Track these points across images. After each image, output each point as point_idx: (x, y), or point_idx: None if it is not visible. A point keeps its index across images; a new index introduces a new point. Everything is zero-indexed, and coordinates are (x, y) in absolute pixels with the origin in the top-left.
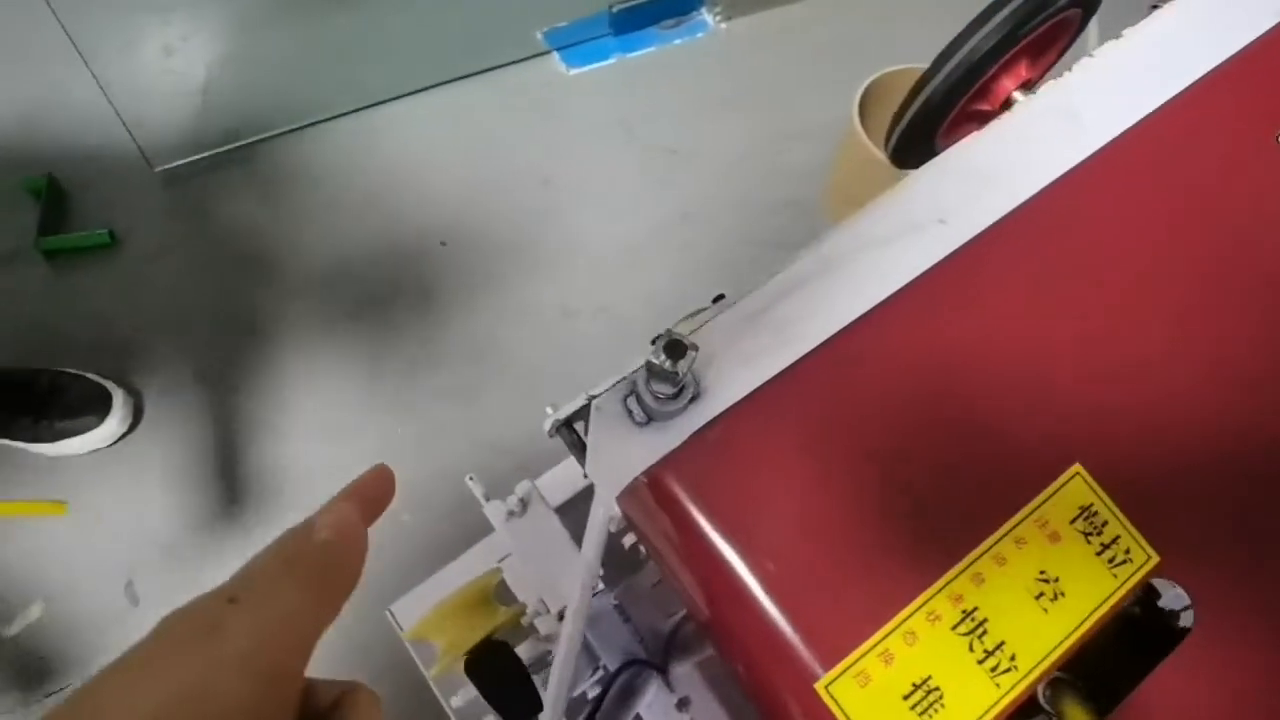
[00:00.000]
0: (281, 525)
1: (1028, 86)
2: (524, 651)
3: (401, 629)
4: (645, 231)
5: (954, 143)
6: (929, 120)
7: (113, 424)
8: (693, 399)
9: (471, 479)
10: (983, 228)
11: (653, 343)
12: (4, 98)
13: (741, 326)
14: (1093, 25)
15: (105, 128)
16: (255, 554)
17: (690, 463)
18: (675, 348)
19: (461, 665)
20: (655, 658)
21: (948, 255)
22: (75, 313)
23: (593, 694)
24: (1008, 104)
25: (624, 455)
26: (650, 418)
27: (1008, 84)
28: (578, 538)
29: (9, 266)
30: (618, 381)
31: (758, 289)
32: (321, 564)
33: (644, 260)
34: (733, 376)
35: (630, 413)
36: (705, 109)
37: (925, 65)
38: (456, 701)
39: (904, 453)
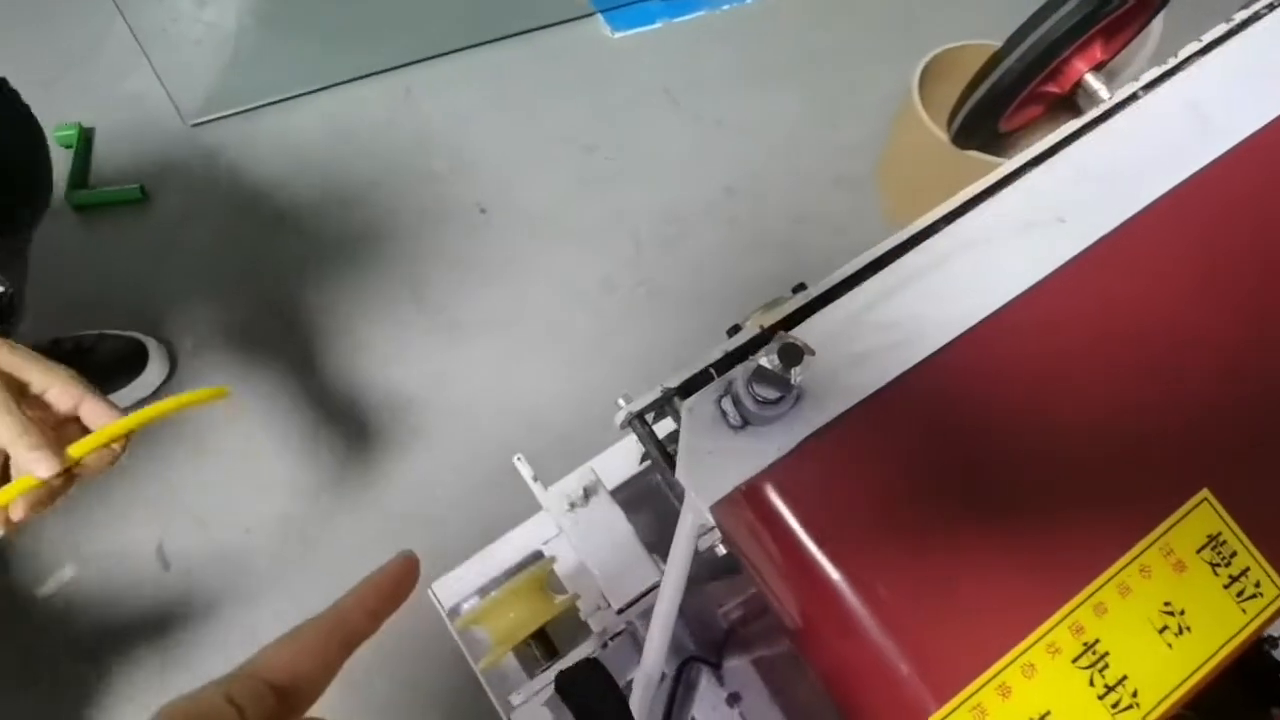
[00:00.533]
0: (310, 485)
1: (1099, 69)
2: (588, 647)
3: (443, 608)
4: (689, 204)
5: (1017, 126)
6: (999, 100)
7: (152, 373)
8: (795, 403)
9: (519, 459)
10: (1106, 229)
11: (729, 333)
12: (37, 46)
13: (846, 324)
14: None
15: (138, 80)
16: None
17: (797, 474)
18: (791, 352)
19: (510, 657)
20: (705, 650)
21: (1071, 257)
22: (106, 268)
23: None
24: (1078, 86)
25: (720, 462)
26: (747, 421)
27: (1080, 66)
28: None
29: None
30: (696, 375)
31: (848, 281)
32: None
33: (687, 234)
34: (840, 380)
35: (725, 414)
36: (754, 79)
37: (991, 41)
38: (516, 699)
39: (1025, 472)
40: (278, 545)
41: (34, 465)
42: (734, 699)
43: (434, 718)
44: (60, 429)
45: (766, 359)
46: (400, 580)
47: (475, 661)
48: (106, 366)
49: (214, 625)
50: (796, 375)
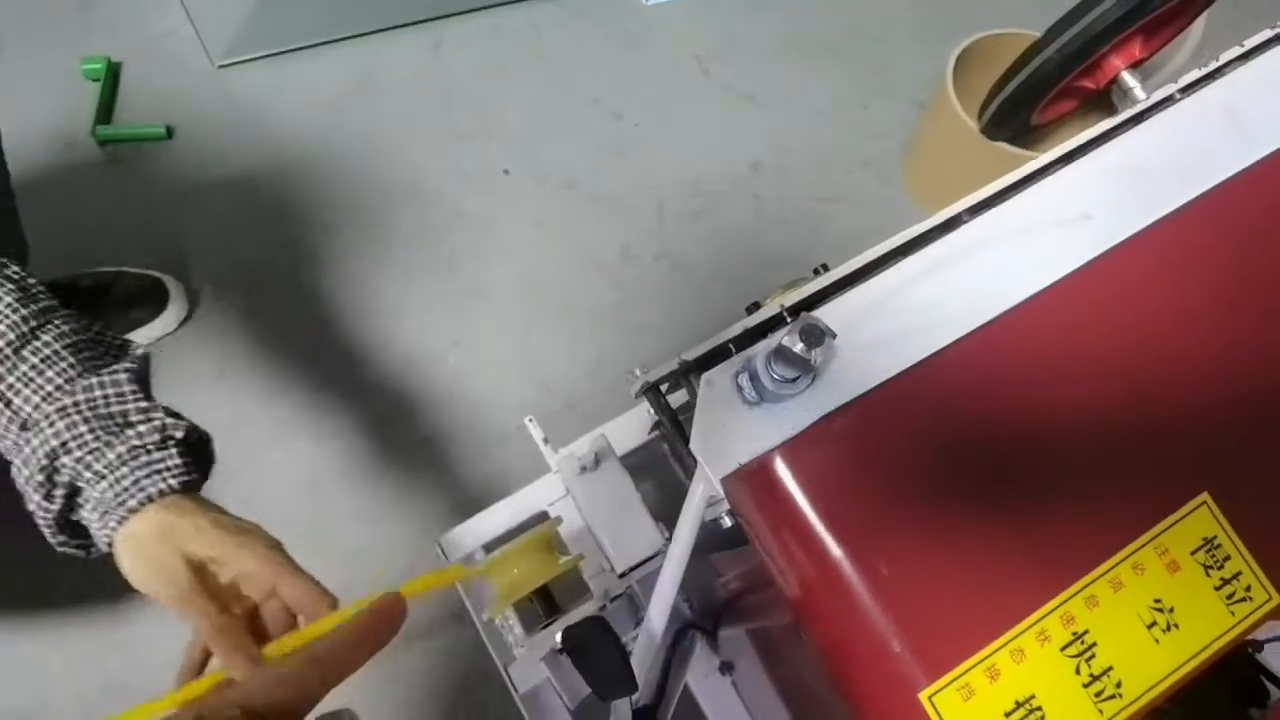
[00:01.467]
0: (321, 434)
1: (1136, 66)
2: (590, 607)
3: (449, 560)
4: (714, 178)
5: (1049, 120)
6: (1033, 92)
7: (172, 313)
8: (811, 382)
9: (530, 420)
10: (1132, 230)
11: (748, 310)
12: None
13: (866, 309)
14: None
15: (168, 18)
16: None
17: (808, 453)
18: (813, 333)
19: (511, 610)
20: (701, 618)
21: (1094, 256)
22: (127, 205)
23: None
24: (1113, 83)
25: (733, 436)
26: (762, 398)
27: (1118, 62)
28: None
29: (65, 153)
30: (714, 350)
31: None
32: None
33: (711, 208)
34: (857, 362)
35: (741, 389)
36: (788, 53)
37: (1030, 31)
38: (517, 653)
39: (1033, 463)
40: (288, 490)
41: (230, 669)
42: (727, 667)
43: (433, 664)
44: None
45: (788, 338)
46: (388, 620)
47: (478, 613)
48: (125, 303)
49: None
50: (817, 356)
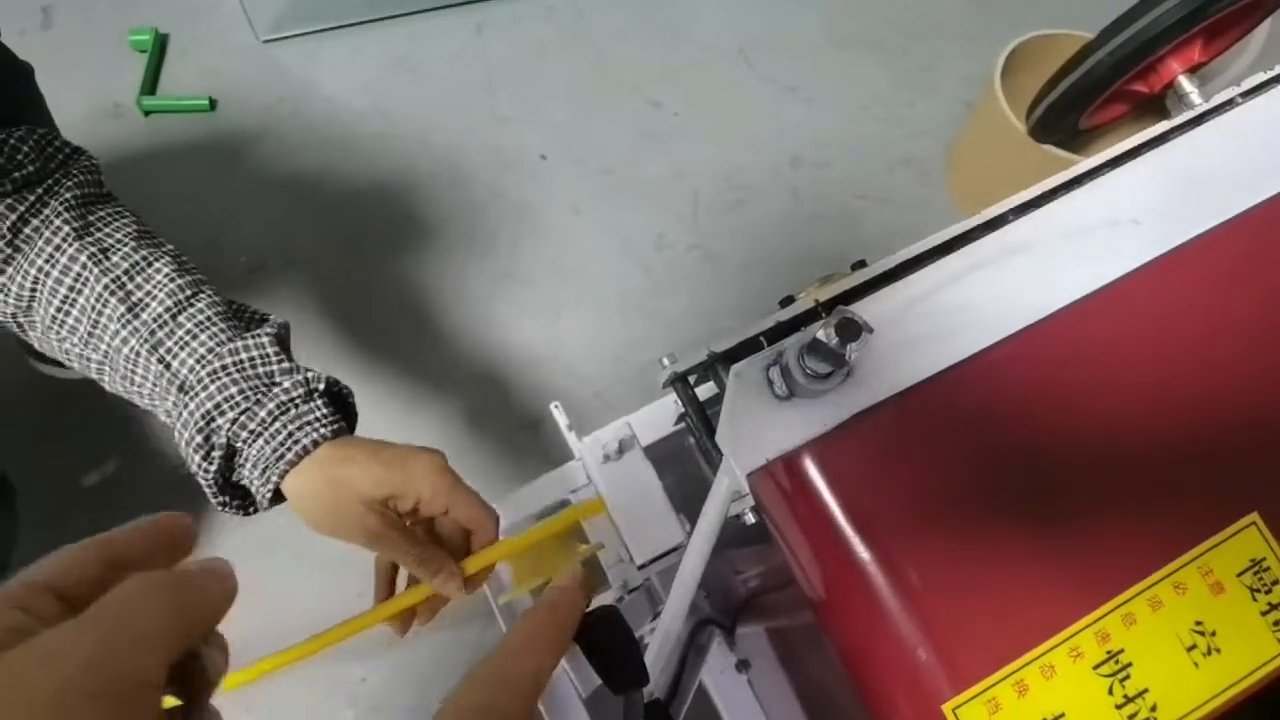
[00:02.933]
0: (360, 400)
1: (1194, 71)
2: (608, 597)
3: None
4: (752, 170)
5: (1098, 123)
6: (1084, 94)
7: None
8: (844, 379)
9: (556, 406)
10: (1182, 238)
11: (782, 303)
12: None
13: (904, 307)
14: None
15: None
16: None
17: (839, 451)
18: (849, 328)
19: (526, 595)
20: (719, 614)
21: (1142, 263)
22: (168, 176)
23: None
24: (1168, 88)
25: (762, 430)
26: (793, 392)
27: (1175, 66)
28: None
29: (111, 122)
30: (744, 342)
31: (911, 263)
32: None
33: (747, 200)
34: (894, 361)
35: (771, 383)
36: (832, 46)
37: (1084, 32)
38: None
39: (1073, 473)
40: None
41: (443, 588)
42: (743, 665)
43: (452, 644)
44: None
45: (823, 332)
46: (169, 533)
47: (495, 596)
48: None
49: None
50: (852, 352)
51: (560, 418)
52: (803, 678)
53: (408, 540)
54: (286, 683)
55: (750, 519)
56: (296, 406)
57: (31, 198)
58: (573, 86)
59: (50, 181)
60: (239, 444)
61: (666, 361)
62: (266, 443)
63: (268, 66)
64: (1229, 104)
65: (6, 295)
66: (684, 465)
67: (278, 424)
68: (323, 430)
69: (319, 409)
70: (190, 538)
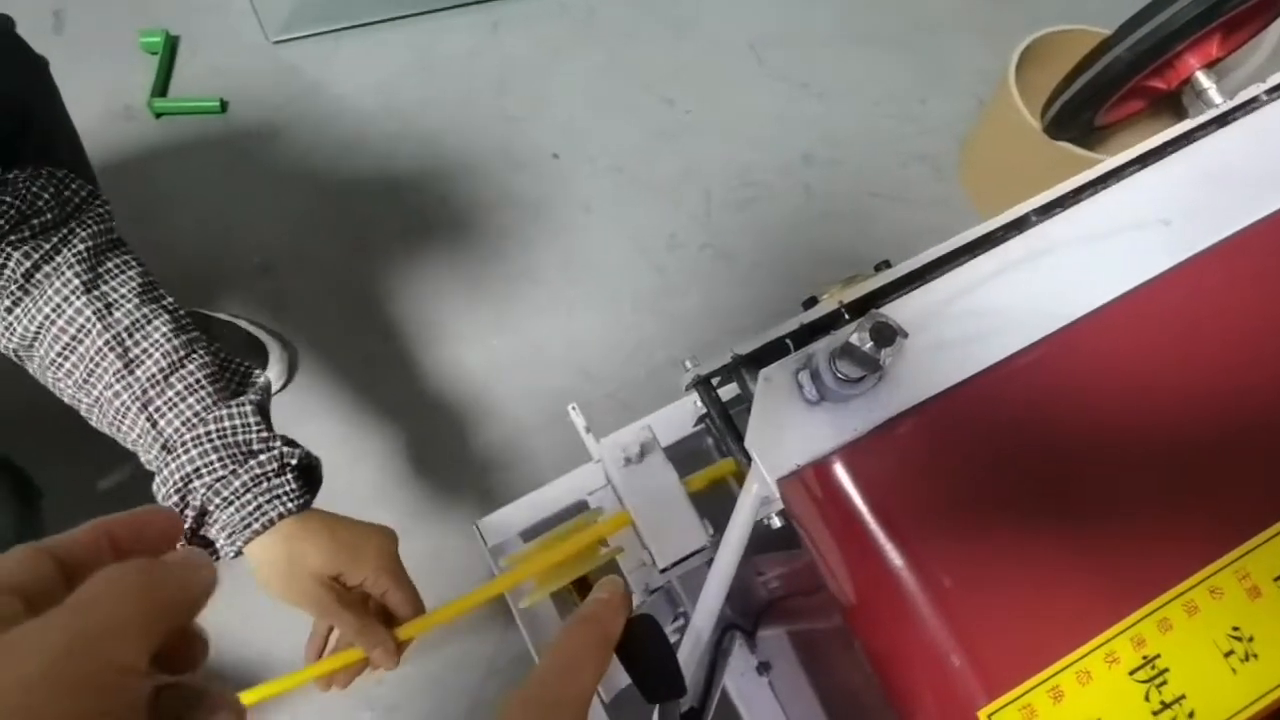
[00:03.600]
0: (363, 412)
1: (1212, 66)
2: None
3: (486, 544)
4: (764, 167)
5: (1114, 120)
6: (1100, 91)
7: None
8: (875, 383)
9: (574, 408)
10: (1214, 238)
11: (804, 305)
12: None
13: (933, 309)
14: None
15: None
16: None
17: (872, 456)
18: (884, 332)
19: (549, 600)
20: (740, 616)
21: (1174, 264)
22: (182, 178)
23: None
24: (1185, 83)
25: (792, 435)
26: (823, 397)
27: (1193, 61)
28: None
29: (122, 124)
30: (769, 344)
31: (937, 263)
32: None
33: (759, 198)
34: (925, 365)
35: (801, 387)
36: (844, 41)
37: (1100, 28)
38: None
39: (1107, 477)
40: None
41: (381, 660)
42: (764, 667)
43: (470, 646)
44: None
45: (856, 336)
46: (148, 524)
47: (515, 600)
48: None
49: None
50: (886, 357)
51: (578, 420)
52: (825, 680)
53: (352, 614)
54: (302, 686)
55: (776, 523)
56: (269, 480)
57: (47, 245)
58: (585, 85)
59: (65, 231)
60: (211, 507)
61: (689, 364)
62: (236, 511)
63: (279, 67)
64: (1254, 102)
65: (11, 333)
66: (698, 466)
67: (249, 495)
68: (289, 505)
69: (288, 484)
70: (173, 528)
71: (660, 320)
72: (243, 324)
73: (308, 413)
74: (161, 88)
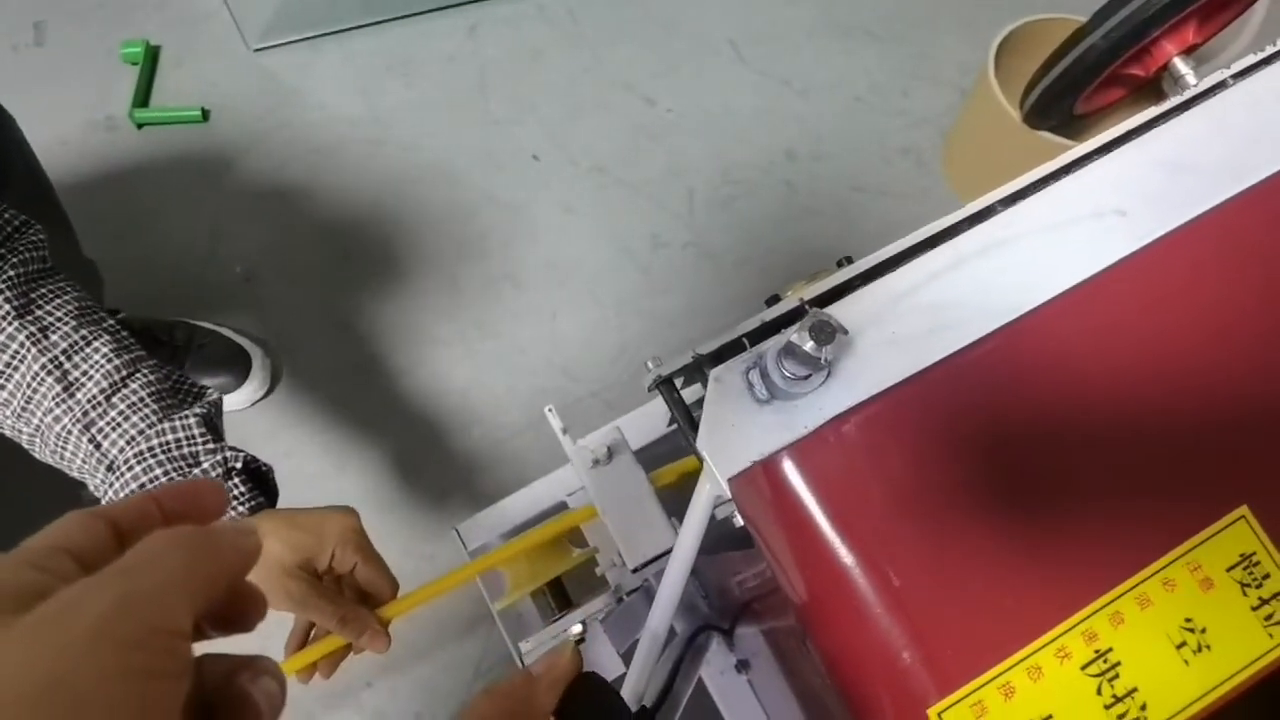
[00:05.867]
0: (348, 416)
1: (1190, 52)
2: (599, 603)
3: (466, 548)
4: (747, 165)
5: (1095, 109)
6: (1077, 80)
7: (251, 388)
8: (824, 380)
9: (550, 410)
10: (1169, 227)
11: (768, 303)
12: None
13: (886, 304)
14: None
15: (206, 1)
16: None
17: (819, 454)
18: (823, 329)
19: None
20: (718, 616)
21: (1127, 254)
22: (164, 188)
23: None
24: (1163, 70)
25: (742, 435)
26: (773, 395)
27: (1169, 48)
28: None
29: (104, 135)
30: (728, 344)
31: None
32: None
33: (742, 196)
34: (874, 361)
35: (751, 386)
36: (825, 37)
37: (1079, 16)
38: (526, 646)
39: (1054, 472)
40: (303, 472)
41: (371, 645)
42: (743, 666)
43: (457, 649)
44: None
45: (797, 335)
46: (197, 495)
47: (493, 602)
48: (211, 363)
49: None
50: (827, 354)
51: (554, 421)
52: (800, 677)
53: (330, 603)
54: (290, 688)
55: (739, 522)
56: None
57: None
58: (565, 86)
59: None
60: None
61: (651, 364)
62: None
63: (260, 75)
64: (1220, 86)
65: None
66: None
67: None
68: (239, 508)
69: (236, 487)
70: (219, 499)
71: (644, 320)
72: (226, 332)
73: (292, 420)
74: (143, 98)
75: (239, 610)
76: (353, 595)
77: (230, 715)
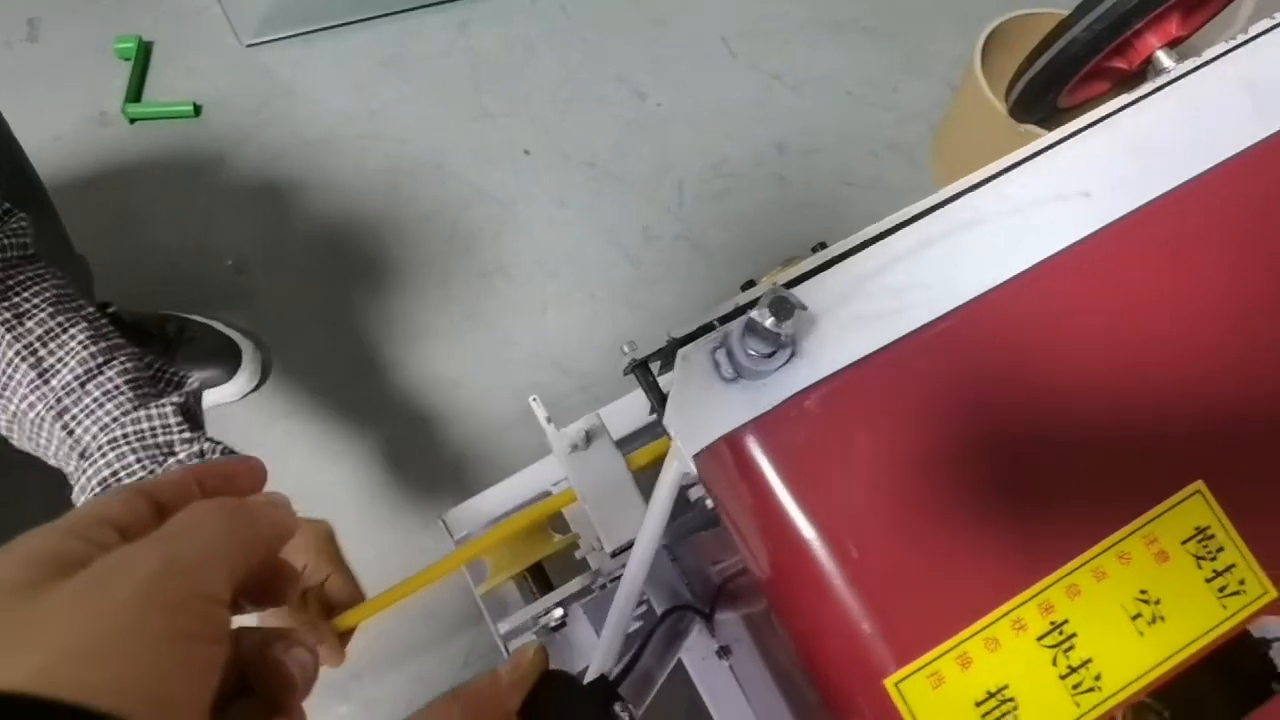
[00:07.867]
0: (339, 407)
1: (1174, 45)
2: (578, 584)
3: (452, 536)
4: (738, 159)
5: (1079, 102)
6: (1061, 73)
7: (241, 380)
8: (789, 359)
9: (535, 400)
10: (1131, 207)
11: (743, 288)
12: None
13: (852, 285)
14: None
15: None
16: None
17: (781, 429)
18: (782, 305)
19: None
20: (700, 602)
21: (1089, 233)
22: (157, 183)
23: (633, 626)
24: (1147, 63)
25: (708, 412)
26: (739, 374)
27: (1152, 41)
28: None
29: (97, 130)
30: (701, 326)
31: (866, 243)
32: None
33: (733, 189)
34: (838, 339)
35: (718, 365)
36: (816, 32)
37: (1064, 10)
38: (504, 626)
39: (1014, 446)
40: (292, 462)
41: (326, 659)
42: (724, 651)
43: (447, 638)
44: None
45: (758, 312)
46: (236, 472)
47: (476, 586)
48: (199, 358)
49: None
50: (786, 330)
51: (539, 410)
52: (779, 661)
53: (293, 611)
54: None
55: (710, 503)
56: None
57: None
58: (556, 80)
59: None
60: None
61: (626, 349)
62: None
63: (252, 70)
64: (1192, 72)
65: None
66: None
67: None
68: None
69: None
70: (257, 476)
71: (635, 313)
72: (217, 325)
73: (282, 413)
74: (135, 93)
75: (272, 583)
76: (317, 608)
77: (265, 684)
